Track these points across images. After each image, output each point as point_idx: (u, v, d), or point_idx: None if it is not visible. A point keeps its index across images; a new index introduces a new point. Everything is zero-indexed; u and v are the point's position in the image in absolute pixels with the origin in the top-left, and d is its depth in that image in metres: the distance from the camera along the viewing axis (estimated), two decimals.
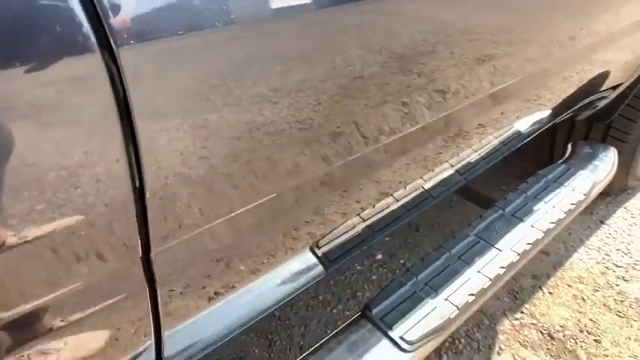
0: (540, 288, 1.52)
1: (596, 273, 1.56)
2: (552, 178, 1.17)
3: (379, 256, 1.65)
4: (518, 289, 1.53)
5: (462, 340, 1.38)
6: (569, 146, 1.37)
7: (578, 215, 1.80)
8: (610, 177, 1.27)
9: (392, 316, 0.81)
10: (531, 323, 1.41)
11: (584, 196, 1.12)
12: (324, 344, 0.78)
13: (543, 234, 1.01)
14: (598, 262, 1.60)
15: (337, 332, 0.81)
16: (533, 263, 1.61)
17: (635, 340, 1.33)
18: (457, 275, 0.88)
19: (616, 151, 1.35)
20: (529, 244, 0.97)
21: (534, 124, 1.18)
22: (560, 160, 1.29)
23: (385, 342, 0.77)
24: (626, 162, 1.59)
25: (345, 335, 0.80)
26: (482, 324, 1.42)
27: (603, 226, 1.75)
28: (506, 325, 1.41)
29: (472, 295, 0.85)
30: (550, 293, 1.50)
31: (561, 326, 1.39)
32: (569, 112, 1.23)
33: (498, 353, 1.34)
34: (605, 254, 1.62)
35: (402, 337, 0.78)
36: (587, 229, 1.74)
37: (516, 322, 1.42)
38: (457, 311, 0.82)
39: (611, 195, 1.85)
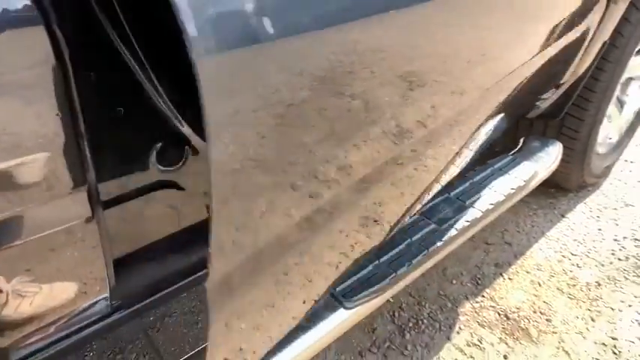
0: (501, 275, 1.63)
1: (554, 261, 1.67)
2: (498, 167, 1.30)
3: None
4: (480, 276, 1.64)
5: (425, 321, 1.49)
6: (521, 140, 1.49)
7: (541, 210, 1.93)
8: (553, 167, 1.40)
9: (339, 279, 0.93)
10: (490, 306, 1.52)
11: (525, 183, 1.24)
12: None
13: (482, 213, 1.13)
14: (556, 252, 1.71)
15: None
16: (496, 253, 1.73)
17: (581, 319, 1.44)
18: (398, 246, 1.00)
19: (561, 146, 1.47)
20: (467, 222, 1.10)
21: (490, 131, 1.30)
22: (510, 152, 1.41)
23: (330, 300, 0.89)
24: (579, 159, 1.71)
25: None
26: (445, 307, 1.53)
27: (564, 219, 1.86)
28: (467, 307, 1.52)
29: (410, 264, 0.97)
30: (510, 279, 1.61)
31: (517, 308, 1.50)
32: (516, 114, 1.36)
33: (458, 332, 1.44)
34: (562, 244, 1.74)
35: (344, 296, 0.90)
36: (549, 222, 1.86)
37: (477, 305, 1.53)
38: (395, 276, 0.94)
39: (573, 191, 1.97)
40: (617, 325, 1.42)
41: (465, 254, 1.73)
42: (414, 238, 1.03)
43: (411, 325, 1.47)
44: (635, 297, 1.52)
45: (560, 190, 1.99)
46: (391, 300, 1.55)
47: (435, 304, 1.53)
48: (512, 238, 1.79)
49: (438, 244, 1.03)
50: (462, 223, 1.09)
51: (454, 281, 1.62)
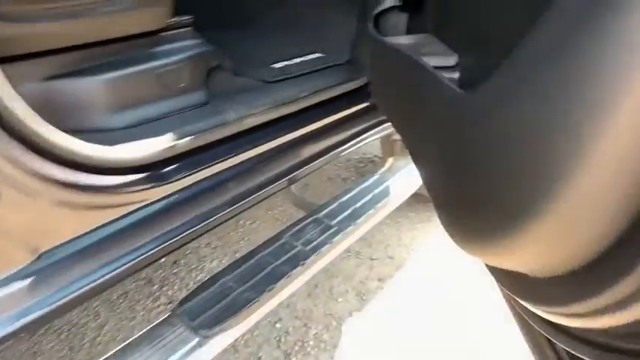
0: (383, 288, 1.71)
1: (429, 270, 1.80)
2: (366, 187, 1.38)
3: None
4: (365, 291, 1.71)
5: (311, 343, 1.50)
6: (388, 160, 1.61)
7: (420, 224, 2.08)
8: (417, 186, 1.52)
9: (197, 311, 0.91)
10: (370, 319, 1.58)
11: (387, 201, 1.33)
12: (134, 340, 0.85)
13: (347, 233, 1.19)
14: (431, 261, 1.84)
15: (148, 330, 0.88)
16: (380, 267, 1.81)
17: None
18: (263, 270, 1.01)
19: None
20: (332, 242, 1.14)
21: None
22: (377, 172, 1.51)
23: (187, 333, 0.87)
24: None
25: (153, 331, 0.88)
26: (331, 326, 1.56)
27: (440, 230, 2.02)
28: (346, 324, 1.56)
29: (273, 287, 0.98)
30: (391, 292, 1.70)
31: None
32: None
33: (343, 350, 1.48)
34: (437, 255, 1.88)
35: (201, 328, 0.87)
36: (426, 234, 2.01)
37: (357, 321, 1.58)
38: (255, 303, 0.94)
39: None
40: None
41: (351, 271, 1.79)
42: (280, 261, 1.04)
43: (297, 348, 1.47)
44: None
45: None
46: (278, 326, 1.55)
47: (321, 324, 1.56)
48: (394, 252, 1.89)
49: (302, 266, 1.05)
50: (327, 244, 1.13)
51: (340, 299, 1.66)
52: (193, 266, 1.75)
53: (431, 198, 0.70)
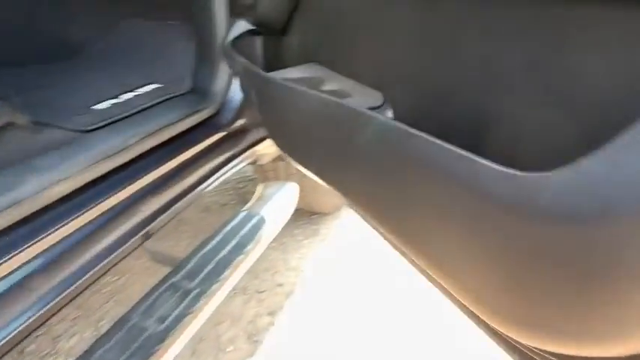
0: (274, 324, 1.60)
1: (321, 293, 1.72)
2: (235, 225, 1.24)
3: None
4: (255, 331, 1.57)
5: None
6: (258, 188, 1.48)
7: (307, 240, 2.00)
8: (292, 208, 1.42)
9: None
10: None
11: (262, 235, 1.21)
12: None
13: (215, 289, 1.04)
14: (324, 277, 1.77)
15: None
16: (269, 299, 1.69)
17: None
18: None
19: (297, 186, 1.51)
20: (193, 311, 0.98)
21: None
22: (245, 206, 1.37)
23: None
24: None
25: None
26: None
27: (325, 243, 1.97)
28: None
29: None
30: (283, 327, 1.59)
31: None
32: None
33: None
34: (323, 270, 1.82)
35: None
36: (313, 250, 1.93)
37: None
38: None
39: (330, 214, 2.11)
40: None
41: (238, 311, 1.64)
42: (125, 356, 0.85)
43: None
44: None
45: (322, 215, 2.12)
46: None
47: None
48: (282, 278, 1.79)
49: (158, 352, 0.88)
50: (189, 314, 0.97)
51: (229, 348, 1.51)
52: (46, 351, 1.45)
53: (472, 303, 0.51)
